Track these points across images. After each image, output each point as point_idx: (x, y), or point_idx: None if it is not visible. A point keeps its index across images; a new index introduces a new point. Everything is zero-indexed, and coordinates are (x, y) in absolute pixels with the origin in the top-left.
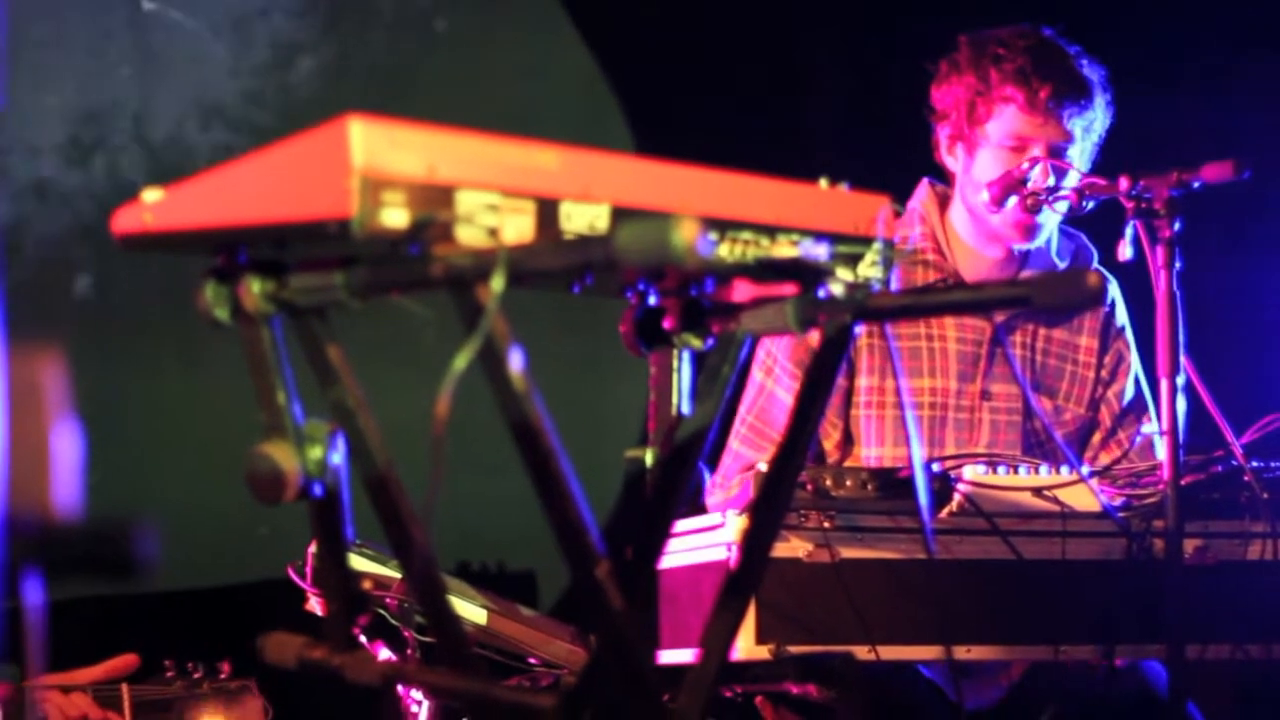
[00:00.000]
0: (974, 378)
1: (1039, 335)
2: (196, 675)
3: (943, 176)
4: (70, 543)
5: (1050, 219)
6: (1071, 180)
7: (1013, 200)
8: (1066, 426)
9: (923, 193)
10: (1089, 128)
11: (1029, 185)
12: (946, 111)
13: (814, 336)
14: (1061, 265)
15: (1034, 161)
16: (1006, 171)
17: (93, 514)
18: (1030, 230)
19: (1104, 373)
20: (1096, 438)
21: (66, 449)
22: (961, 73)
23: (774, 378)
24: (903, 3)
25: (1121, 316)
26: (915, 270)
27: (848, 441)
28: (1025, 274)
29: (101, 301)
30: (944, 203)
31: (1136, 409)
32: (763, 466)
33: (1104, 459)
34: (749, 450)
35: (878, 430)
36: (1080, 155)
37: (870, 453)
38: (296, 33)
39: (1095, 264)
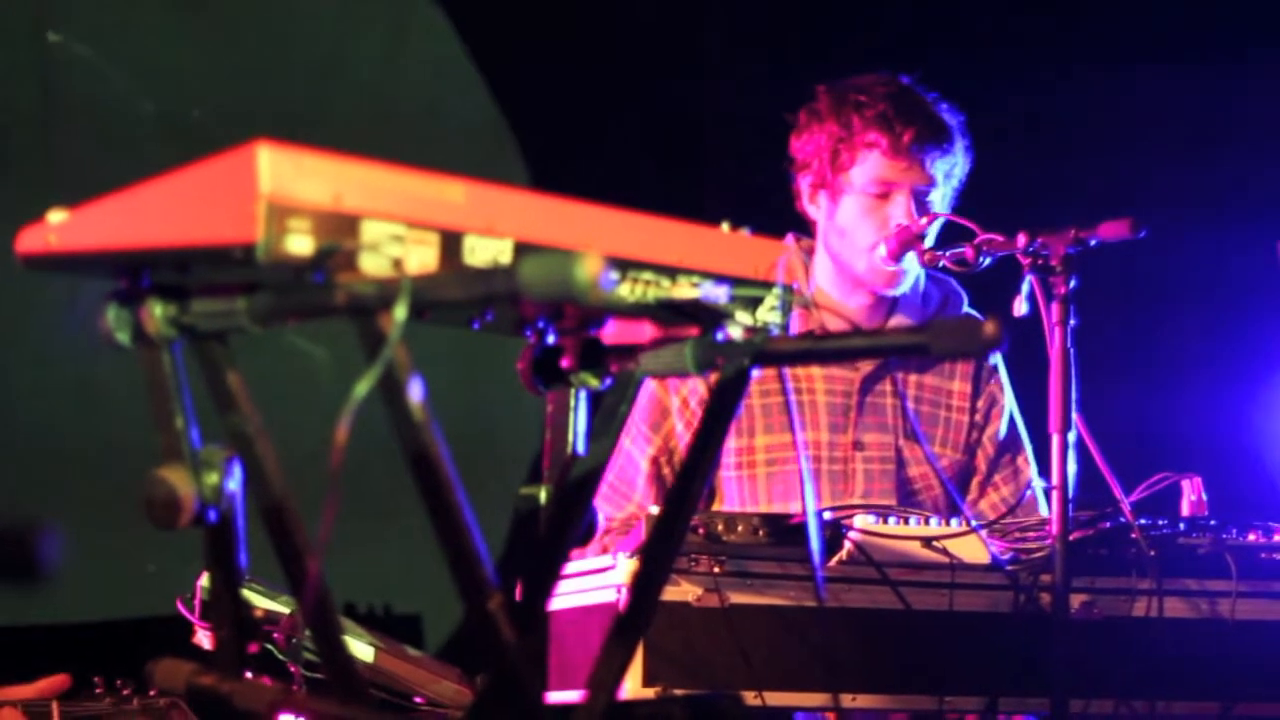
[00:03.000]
0: (845, 429)
1: (909, 383)
2: (125, 692)
3: (805, 228)
4: None
5: (914, 264)
6: (937, 222)
7: (883, 250)
8: (945, 473)
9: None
10: (950, 172)
11: (925, 241)
12: (808, 160)
13: (669, 399)
14: (928, 310)
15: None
16: (904, 227)
17: None
18: (895, 277)
19: (977, 416)
20: (974, 482)
21: None
22: (823, 121)
23: (630, 437)
24: (807, 49)
25: (994, 357)
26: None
27: (710, 498)
28: (895, 319)
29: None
30: (811, 254)
31: (1012, 448)
32: (654, 509)
33: (982, 505)
34: (607, 506)
35: (749, 490)
36: (942, 199)
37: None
38: (201, 69)
39: (965, 307)
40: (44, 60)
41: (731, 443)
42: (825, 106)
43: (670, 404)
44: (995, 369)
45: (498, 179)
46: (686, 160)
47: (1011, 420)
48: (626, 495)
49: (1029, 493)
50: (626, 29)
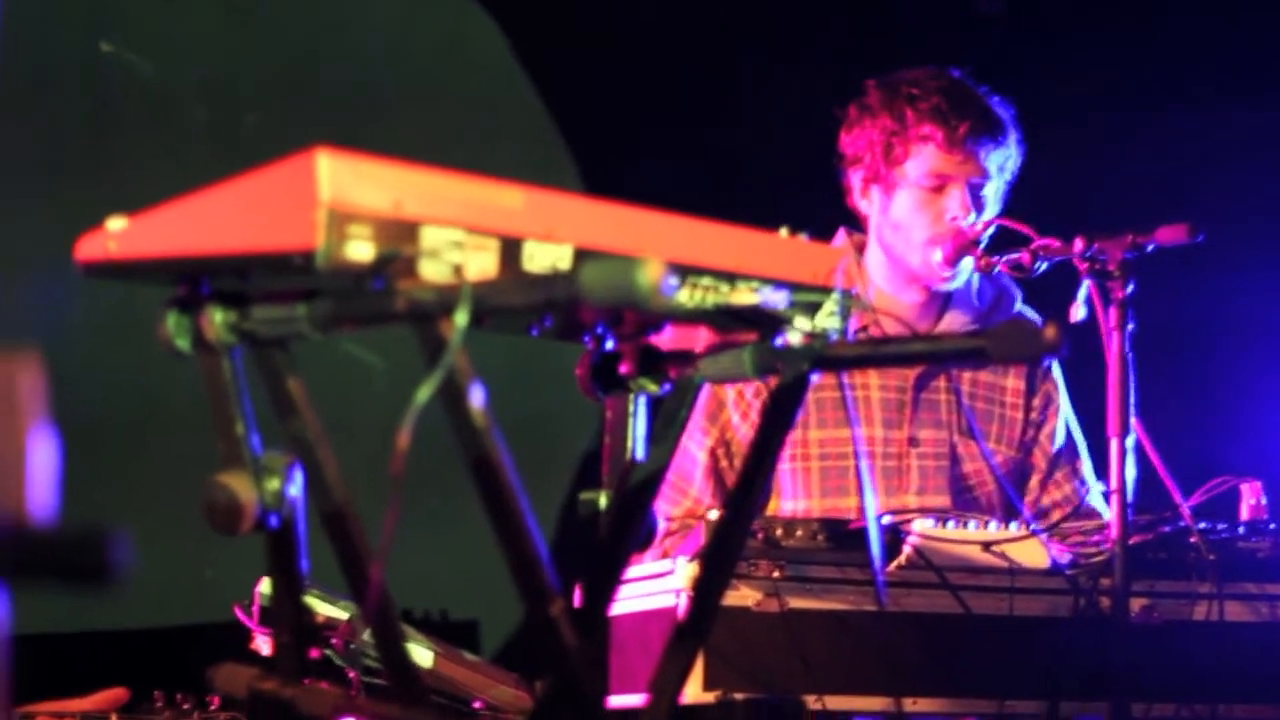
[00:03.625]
0: (900, 424)
1: (963, 379)
2: (185, 706)
3: (854, 223)
4: (43, 549)
5: (968, 261)
6: (989, 215)
7: (939, 254)
8: (1000, 469)
9: (839, 241)
10: (1004, 165)
11: (981, 245)
12: (860, 155)
13: (724, 391)
14: (980, 307)
15: (956, 205)
16: (960, 231)
17: (65, 522)
18: (947, 276)
19: (1033, 414)
20: (1034, 480)
21: (41, 454)
22: (875, 115)
23: (685, 431)
24: (863, 51)
25: None
26: None
27: (767, 497)
28: (948, 316)
29: (55, 348)
30: (861, 250)
31: (1069, 449)
32: (713, 515)
33: (1045, 501)
34: (663, 503)
35: (803, 483)
36: (995, 194)
37: (796, 505)
38: (251, 79)
39: (1019, 305)
40: (97, 70)
41: None
42: (877, 101)
43: (725, 396)
44: (1049, 368)
45: (550, 185)
46: (738, 163)
47: (1066, 418)
48: (683, 490)
49: (1086, 492)
50: (677, 33)
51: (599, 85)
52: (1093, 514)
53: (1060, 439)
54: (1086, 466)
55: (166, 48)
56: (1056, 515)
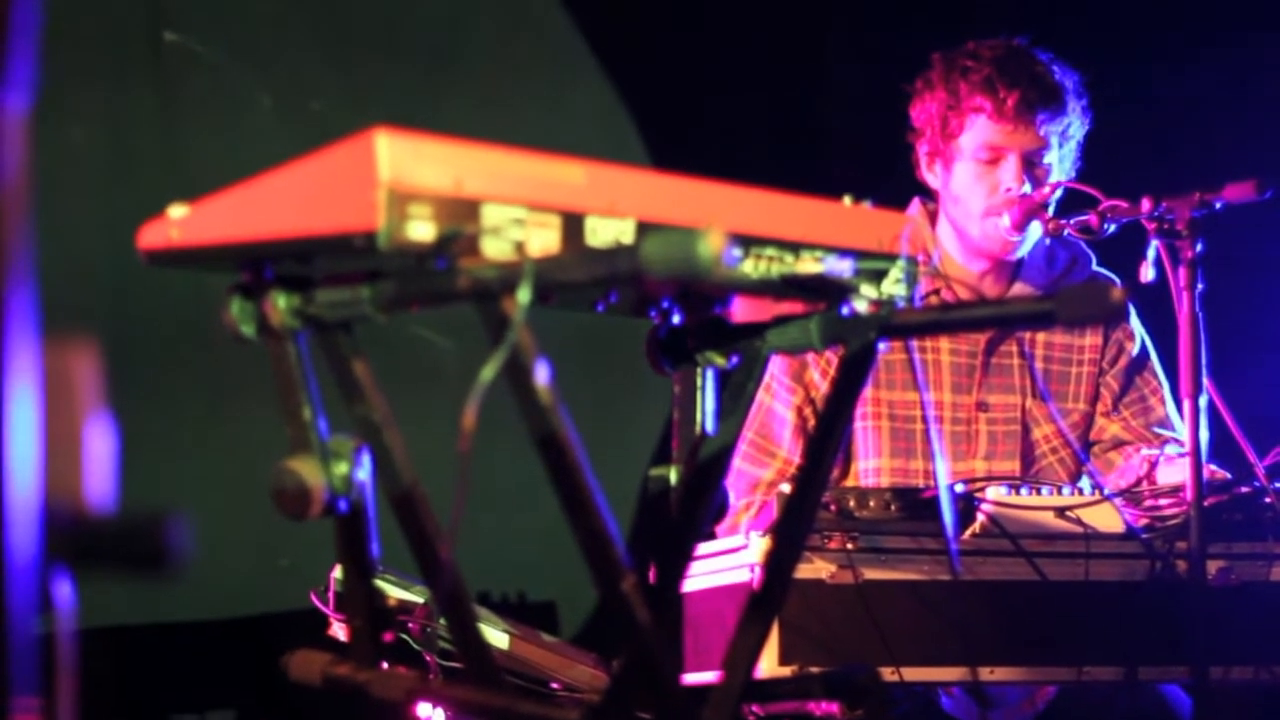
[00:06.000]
0: (969, 389)
1: (1037, 342)
2: None
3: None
4: (103, 536)
5: (1033, 231)
6: (1056, 177)
7: (1006, 220)
8: (1076, 429)
9: (913, 210)
10: (1065, 134)
11: (1049, 209)
12: (922, 129)
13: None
14: (1054, 271)
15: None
16: (1026, 196)
17: (124, 508)
18: (1010, 243)
19: (1105, 363)
20: (1098, 415)
21: (99, 442)
22: (934, 89)
23: (770, 392)
24: (931, 16)
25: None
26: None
27: (846, 464)
28: (1018, 284)
29: (122, 338)
30: (934, 220)
31: (1141, 385)
32: (785, 488)
33: (1112, 429)
34: (751, 466)
35: (874, 441)
36: (1058, 162)
37: (868, 464)
38: (316, 63)
39: (1094, 267)
40: (161, 60)
41: None
42: (936, 74)
43: (806, 355)
44: (1125, 319)
45: (615, 158)
46: (808, 136)
47: (1140, 360)
48: (770, 451)
49: (1157, 427)
50: (744, 4)
51: (666, 60)
52: (1164, 441)
53: (1126, 377)
54: (1166, 407)
55: (229, 36)
56: (1114, 456)
